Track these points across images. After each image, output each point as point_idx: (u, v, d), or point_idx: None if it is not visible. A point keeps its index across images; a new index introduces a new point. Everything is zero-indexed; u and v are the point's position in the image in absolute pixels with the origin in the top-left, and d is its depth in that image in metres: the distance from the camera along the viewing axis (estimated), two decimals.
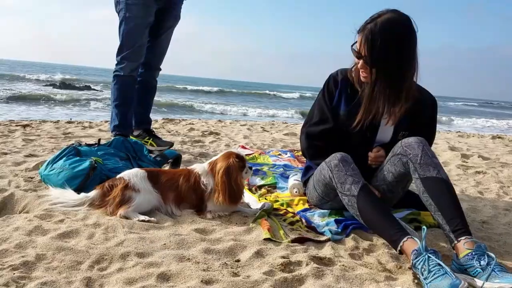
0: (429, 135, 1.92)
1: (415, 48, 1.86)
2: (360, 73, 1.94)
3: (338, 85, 2.06)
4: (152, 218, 1.87)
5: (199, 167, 2.06)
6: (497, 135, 7.92)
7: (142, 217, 1.85)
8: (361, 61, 1.88)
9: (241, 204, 2.12)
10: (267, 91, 29.85)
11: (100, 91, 18.48)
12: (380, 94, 1.88)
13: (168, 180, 2.03)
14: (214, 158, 2.06)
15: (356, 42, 1.90)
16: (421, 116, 2.02)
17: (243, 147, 3.96)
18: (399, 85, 1.87)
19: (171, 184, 2.02)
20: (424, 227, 1.49)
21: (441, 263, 1.39)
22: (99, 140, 2.83)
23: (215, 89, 26.75)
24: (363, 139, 2.02)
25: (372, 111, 1.91)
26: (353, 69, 2.03)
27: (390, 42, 1.80)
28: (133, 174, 1.98)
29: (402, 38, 1.81)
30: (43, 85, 19.05)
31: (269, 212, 2.05)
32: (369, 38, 1.80)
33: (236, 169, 1.98)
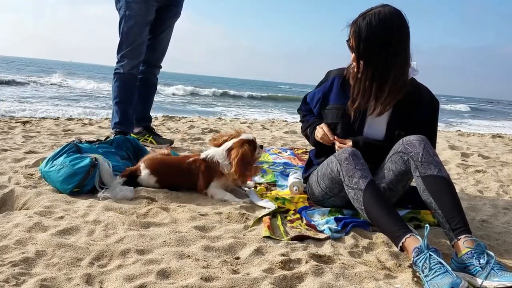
0: (427, 136, 1.90)
1: (405, 42, 1.90)
2: (354, 66, 2.00)
3: (329, 81, 2.16)
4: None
5: (217, 154, 2.26)
6: (497, 134, 7.92)
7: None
8: (353, 54, 1.96)
9: (247, 185, 2.45)
10: None
11: (100, 88, 18.44)
12: (365, 84, 1.96)
13: (173, 167, 2.34)
14: (228, 144, 2.26)
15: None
16: (418, 115, 2.02)
17: None
18: (385, 77, 1.92)
19: (176, 170, 2.32)
20: (427, 225, 1.50)
21: (442, 261, 1.39)
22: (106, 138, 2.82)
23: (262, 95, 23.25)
24: (349, 133, 2.05)
25: (358, 100, 1.99)
26: (351, 65, 2.07)
27: (375, 36, 1.86)
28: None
29: (389, 32, 1.86)
30: (45, 85, 18.93)
31: (274, 212, 2.05)
32: (356, 31, 1.89)
33: (249, 155, 2.22)
